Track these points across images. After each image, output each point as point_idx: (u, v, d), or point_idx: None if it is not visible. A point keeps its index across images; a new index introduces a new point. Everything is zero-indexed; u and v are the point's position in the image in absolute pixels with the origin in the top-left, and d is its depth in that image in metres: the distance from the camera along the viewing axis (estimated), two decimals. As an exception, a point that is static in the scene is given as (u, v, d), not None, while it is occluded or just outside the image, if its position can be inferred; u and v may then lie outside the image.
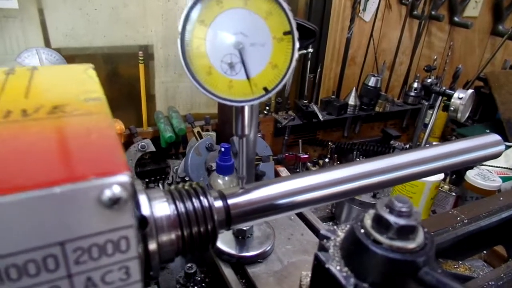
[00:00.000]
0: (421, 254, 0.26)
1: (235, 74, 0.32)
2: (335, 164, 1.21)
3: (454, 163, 0.51)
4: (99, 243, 0.18)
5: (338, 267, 0.28)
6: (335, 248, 0.30)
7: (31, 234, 0.16)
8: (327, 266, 0.28)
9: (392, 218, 0.26)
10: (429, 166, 0.48)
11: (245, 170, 0.38)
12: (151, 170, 1.10)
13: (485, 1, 1.58)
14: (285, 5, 0.30)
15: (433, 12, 1.45)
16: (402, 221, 0.26)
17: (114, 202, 0.17)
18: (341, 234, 0.31)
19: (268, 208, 0.38)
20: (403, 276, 0.25)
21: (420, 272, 0.25)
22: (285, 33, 0.31)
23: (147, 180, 1.06)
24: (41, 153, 0.18)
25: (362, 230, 0.27)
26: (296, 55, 0.31)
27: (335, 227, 0.32)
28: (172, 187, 0.36)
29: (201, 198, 0.35)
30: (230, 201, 0.37)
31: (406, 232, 0.26)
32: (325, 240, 0.30)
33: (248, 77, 0.32)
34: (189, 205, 0.34)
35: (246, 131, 0.36)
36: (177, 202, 0.34)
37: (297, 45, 0.31)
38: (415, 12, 1.42)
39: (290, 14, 0.30)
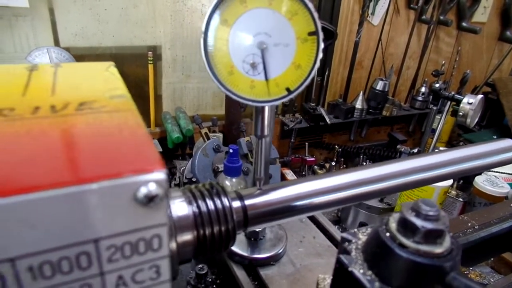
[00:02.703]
0: (448, 259, 0.25)
1: (257, 74, 0.32)
2: (341, 167, 1.20)
3: (468, 168, 0.51)
4: (132, 241, 0.18)
5: (361, 271, 0.27)
6: (357, 251, 0.29)
7: (66, 230, 0.16)
8: (350, 269, 0.27)
9: (419, 222, 0.25)
10: (445, 170, 0.47)
11: (263, 171, 0.38)
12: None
13: (493, 6, 1.58)
14: (310, 5, 0.30)
15: (441, 17, 1.44)
16: (429, 225, 0.25)
17: (150, 199, 0.17)
18: (362, 237, 0.31)
19: (285, 210, 0.37)
20: (430, 281, 0.25)
21: (447, 277, 0.25)
22: (310, 34, 0.30)
23: (154, 180, 1.05)
24: (75, 149, 0.18)
25: (388, 234, 0.27)
26: (321, 55, 0.31)
27: (355, 230, 0.32)
28: (193, 186, 0.35)
29: (222, 197, 0.35)
30: (248, 202, 0.36)
31: (433, 237, 0.25)
32: (346, 243, 0.30)
33: (266, 78, 0.32)
34: (209, 204, 0.34)
35: (266, 132, 0.36)
36: (198, 201, 0.33)
37: (321, 45, 0.30)
38: (423, 17, 1.42)
39: (316, 15, 0.30)
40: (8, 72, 0.28)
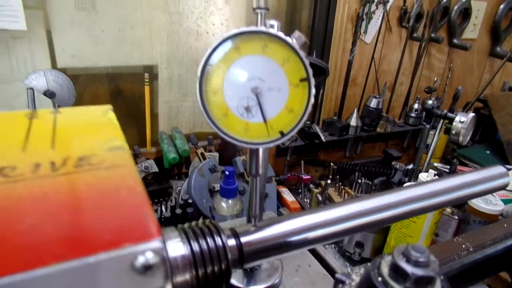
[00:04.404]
0: (438, 304, 0.26)
1: (252, 117, 0.33)
2: (337, 185, 1.21)
3: (461, 196, 0.51)
4: (129, 306, 0.18)
5: (355, 314, 0.28)
6: (350, 293, 0.30)
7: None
8: (344, 312, 0.28)
9: (409, 268, 0.26)
10: (439, 199, 0.48)
11: (258, 209, 0.39)
12: (154, 191, 1.10)
13: (483, 24, 1.62)
14: (301, 53, 0.31)
15: (432, 35, 1.47)
16: (419, 272, 0.26)
17: (147, 268, 0.17)
18: (356, 278, 0.31)
19: (281, 246, 0.38)
20: (421, 327, 0.26)
21: (438, 323, 0.25)
22: (302, 80, 0.31)
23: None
24: (75, 216, 0.18)
25: (380, 278, 0.27)
26: (312, 100, 0.32)
27: (349, 269, 0.32)
28: (186, 225, 0.36)
29: (215, 237, 0.35)
30: (243, 239, 0.37)
31: (423, 283, 0.26)
32: (340, 285, 0.30)
33: (265, 121, 0.33)
34: (203, 244, 0.34)
35: (260, 171, 0.36)
36: (191, 242, 0.34)
37: (313, 91, 0.31)
38: (415, 35, 1.45)
39: (307, 62, 0.31)
40: (8, 122, 0.29)
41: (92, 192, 0.21)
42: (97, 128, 0.29)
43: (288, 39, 0.30)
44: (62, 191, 0.20)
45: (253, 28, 0.31)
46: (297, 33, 0.31)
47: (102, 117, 0.31)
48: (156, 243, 0.18)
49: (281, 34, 0.30)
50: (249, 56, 0.32)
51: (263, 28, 0.30)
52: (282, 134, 0.33)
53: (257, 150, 0.35)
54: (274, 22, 0.32)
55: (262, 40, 0.31)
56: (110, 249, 0.17)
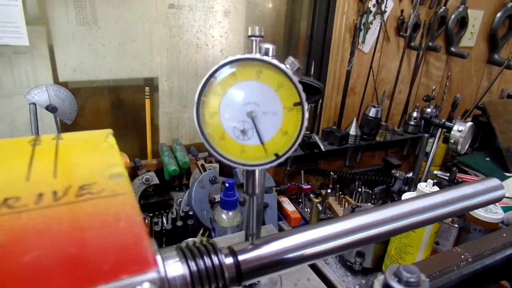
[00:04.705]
0: (430, 324, 0.27)
1: (247, 140, 0.34)
2: (337, 194, 1.22)
3: (459, 209, 0.52)
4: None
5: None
6: (345, 311, 0.30)
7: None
8: (338, 332, 0.29)
9: (401, 289, 0.27)
10: (436, 212, 0.49)
11: (255, 227, 0.39)
12: (155, 203, 1.11)
13: (480, 32, 1.63)
14: (295, 79, 0.32)
15: (430, 44, 1.49)
16: (411, 292, 0.27)
17: (145, 299, 0.18)
18: (350, 296, 0.32)
19: (279, 263, 0.39)
20: None
21: None
22: (295, 104, 0.32)
23: (151, 214, 1.06)
24: (75, 249, 0.19)
25: (372, 298, 0.28)
26: (306, 123, 0.33)
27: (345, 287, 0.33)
28: (183, 244, 0.37)
29: (212, 256, 0.36)
30: (241, 257, 0.38)
31: (415, 303, 0.27)
32: (335, 303, 0.31)
33: (262, 143, 0.34)
34: (200, 263, 0.35)
35: (257, 191, 0.37)
36: (189, 261, 0.35)
37: (306, 115, 0.32)
38: (412, 44, 1.46)
39: (300, 87, 0.32)
40: (12, 149, 0.30)
41: (93, 222, 0.22)
42: (97, 154, 0.30)
43: (281, 65, 0.32)
44: (64, 222, 0.21)
45: (248, 55, 0.32)
46: (290, 59, 0.33)
47: (103, 142, 0.32)
48: (152, 274, 0.19)
49: (275, 61, 0.31)
50: (245, 82, 0.33)
51: (257, 56, 0.32)
52: (277, 156, 0.34)
53: (253, 172, 0.36)
54: (269, 46, 0.33)
55: (257, 66, 0.32)
56: (109, 281, 0.18)
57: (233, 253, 0.38)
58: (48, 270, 0.18)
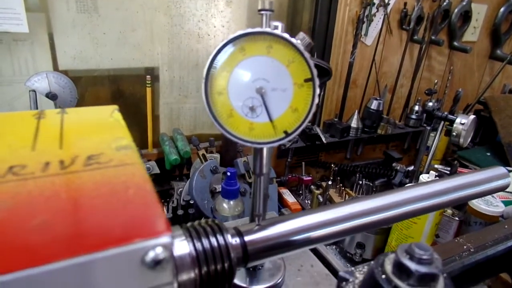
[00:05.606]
0: (442, 301, 0.26)
1: (256, 117, 0.33)
2: (338, 186, 1.21)
3: (462, 197, 0.52)
4: (139, 301, 0.18)
5: (359, 312, 0.28)
6: (354, 290, 0.30)
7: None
8: (348, 310, 0.28)
9: (413, 266, 0.26)
10: (440, 199, 0.49)
11: (262, 208, 0.39)
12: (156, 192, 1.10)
13: (483, 26, 1.62)
14: (306, 54, 0.31)
15: (433, 37, 1.48)
16: (423, 269, 0.26)
17: (157, 263, 0.18)
18: (359, 276, 0.32)
19: (285, 244, 0.38)
20: (425, 324, 0.26)
21: (442, 321, 0.26)
22: (306, 80, 0.32)
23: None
24: (84, 213, 0.19)
25: (383, 276, 0.28)
26: (316, 100, 0.32)
27: (352, 268, 0.33)
28: (189, 224, 0.36)
29: (218, 236, 0.35)
30: (247, 238, 0.37)
31: (427, 280, 0.26)
32: (344, 283, 0.31)
33: (271, 120, 0.33)
34: (207, 243, 0.35)
35: (264, 170, 0.37)
36: (195, 240, 0.34)
37: (317, 91, 0.32)
38: (415, 37, 1.45)
39: (311, 63, 0.31)
40: (16, 121, 0.29)
41: (102, 190, 0.21)
42: (104, 128, 0.29)
43: (293, 40, 0.31)
44: (72, 189, 0.21)
45: (258, 29, 0.31)
46: (301, 34, 0.32)
47: (109, 117, 0.31)
48: (165, 239, 0.18)
49: (286, 35, 0.31)
50: (254, 57, 0.32)
51: (268, 29, 0.31)
52: (286, 134, 0.33)
53: (261, 150, 0.36)
54: (278, 24, 0.33)
55: (267, 41, 0.32)
56: (121, 244, 0.17)
57: (239, 233, 0.37)
58: (57, 233, 0.17)
